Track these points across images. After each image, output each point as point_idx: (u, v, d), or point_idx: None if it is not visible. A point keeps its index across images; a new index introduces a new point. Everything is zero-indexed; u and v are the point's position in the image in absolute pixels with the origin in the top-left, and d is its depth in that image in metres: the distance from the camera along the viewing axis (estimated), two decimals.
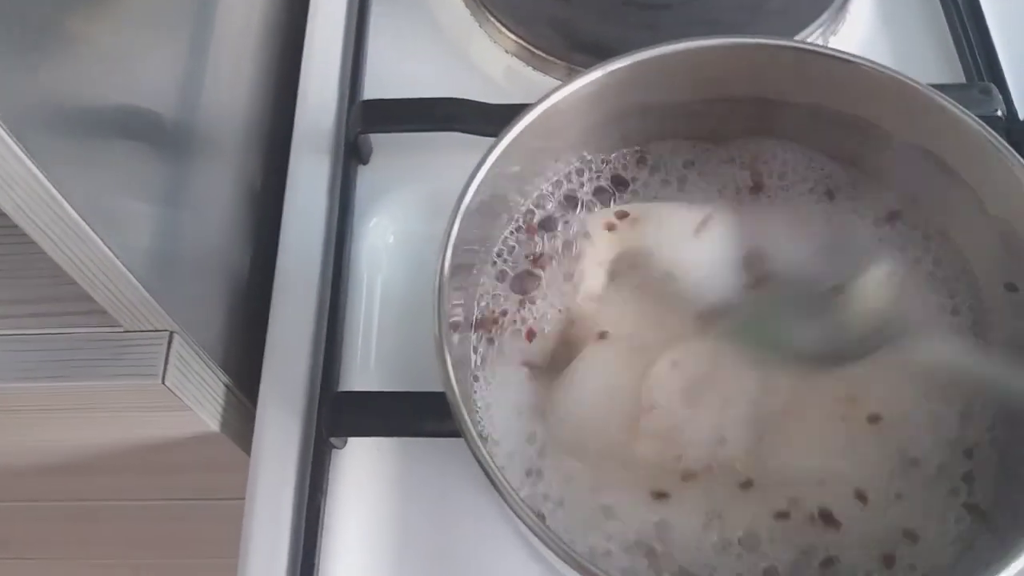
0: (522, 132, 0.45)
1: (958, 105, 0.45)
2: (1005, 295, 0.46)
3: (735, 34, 0.49)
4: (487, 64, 0.64)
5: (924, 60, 0.64)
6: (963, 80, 0.62)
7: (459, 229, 0.43)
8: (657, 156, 0.53)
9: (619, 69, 0.46)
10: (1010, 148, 0.44)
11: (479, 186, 0.44)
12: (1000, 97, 0.58)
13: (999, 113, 0.57)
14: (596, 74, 0.46)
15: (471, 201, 0.44)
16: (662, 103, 0.50)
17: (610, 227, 0.50)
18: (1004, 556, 0.36)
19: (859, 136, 0.49)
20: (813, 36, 0.63)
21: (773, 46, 0.47)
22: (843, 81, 0.47)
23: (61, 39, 0.39)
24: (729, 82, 0.49)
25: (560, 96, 0.46)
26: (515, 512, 0.37)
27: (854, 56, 0.47)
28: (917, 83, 0.46)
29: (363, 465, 0.51)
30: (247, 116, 0.62)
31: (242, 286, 0.58)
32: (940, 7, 0.66)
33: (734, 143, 0.53)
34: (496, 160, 0.45)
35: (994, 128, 0.56)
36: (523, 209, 0.51)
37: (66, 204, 0.38)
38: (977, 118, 0.45)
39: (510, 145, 0.45)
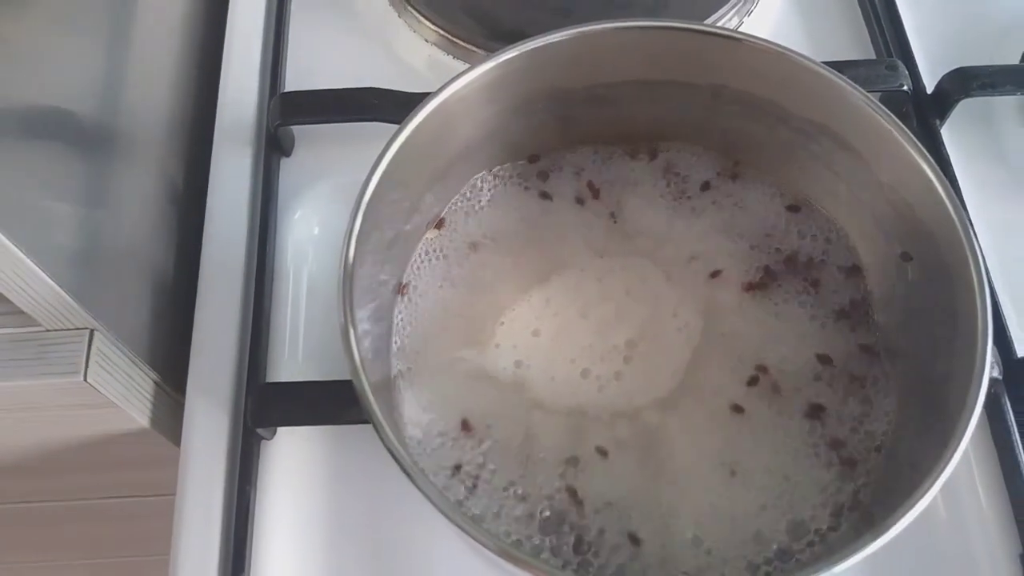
0: (429, 115, 0.46)
1: (848, 80, 0.46)
2: (900, 264, 0.48)
3: (646, 16, 0.50)
4: (408, 54, 0.65)
5: (836, 38, 0.66)
6: (873, 57, 0.63)
7: (363, 219, 0.43)
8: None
9: (522, 54, 0.47)
10: (896, 119, 0.45)
11: (383, 172, 0.44)
12: (906, 72, 0.60)
13: (905, 88, 0.59)
14: (499, 59, 0.47)
15: (375, 189, 0.44)
16: (566, 89, 0.50)
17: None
18: None
19: (761, 115, 0.50)
20: (728, 16, 0.64)
21: (674, 29, 0.48)
22: (746, 62, 0.48)
23: None
24: (632, 65, 0.50)
25: (462, 83, 0.47)
26: (431, 502, 0.38)
27: (753, 37, 0.48)
28: (813, 62, 0.47)
29: (293, 455, 0.52)
30: (168, 111, 0.62)
31: (167, 282, 0.58)
32: None
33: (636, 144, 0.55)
34: (401, 146, 0.45)
35: (901, 102, 0.59)
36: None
37: None
38: (865, 92, 0.46)
39: (416, 130, 0.46)
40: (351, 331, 0.40)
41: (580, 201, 0.54)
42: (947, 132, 0.60)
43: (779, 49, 0.48)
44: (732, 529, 0.45)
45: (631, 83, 0.50)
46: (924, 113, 0.60)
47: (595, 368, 0.49)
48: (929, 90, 0.61)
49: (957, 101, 0.59)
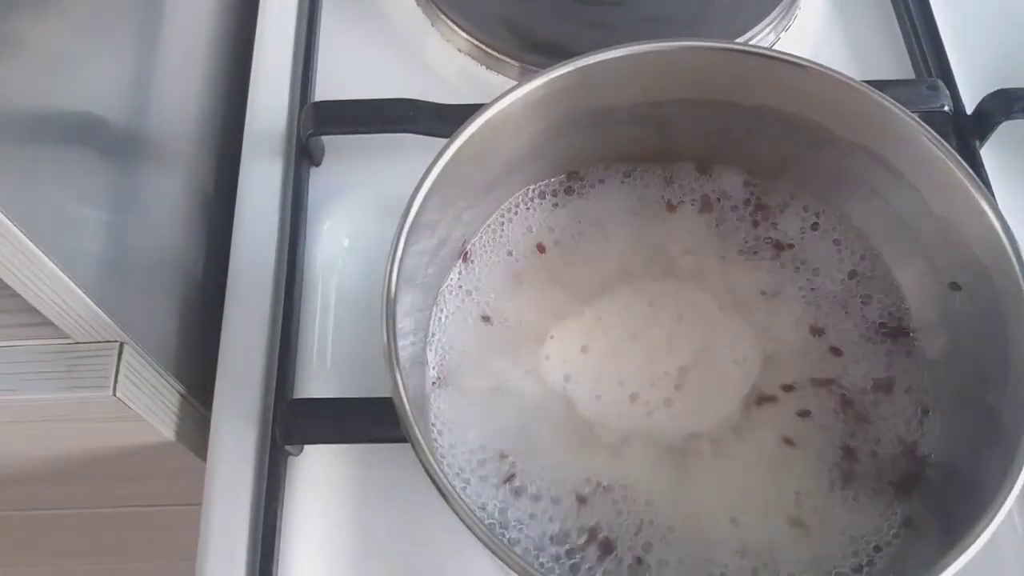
0: (476, 132, 0.45)
1: (899, 105, 0.45)
2: (948, 295, 0.47)
3: (686, 33, 0.49)
4: (440, 64, 0.64)
5: (874, 56, 0.65)
6: (912, 76, 0.62)
7: (408, 234, 0.43)
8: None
9: (568, 73, 0.46)
10: (946, 144, 0.44)
11: (429, 189, 0.44)
12: (947, 92, 0.59)
13: (946, 108, 0.58)
14: (545, 78, 0.46)
15: (422, 202, 0.43)
16: (610, 107, 0.49)
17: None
18: None
19: (806, 137, 0.50)
20: (764, 32, 0.63)
21: (719, 49, 0.47)
22: (789, 83, 0.48)
23: (2, 42, 0.38)
24: (677, 85, 0.49)
25: (509, 100, 0.46)
26: (467, 525, 0.37)
27: (799, 58, 0.47)
28: (861, 85, 0.46)
29: (320, 472, 0.51)
30: (198, 119, 0.61)
31: (195, 293, 0.57)
32: (890, 3, 0.66)
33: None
34: (448, 162, 0.44)
35: (942, 123, 0.58)
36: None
37: (3, 216, 0.37)
38: (917, 119, 0.45)
39: (463, 146, 0.45)
40: (393, 351, 0.39)
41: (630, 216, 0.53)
42: (987, 154, 0.59)
43: (820, 68, 0.47)
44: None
45: (675, 102, 0.50)
46: (964, 134, 0.59)
47: (644, 393, 0.49)
48: (969, 111, 0.60)
49: (998, 123, 0.58)
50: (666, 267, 0.52)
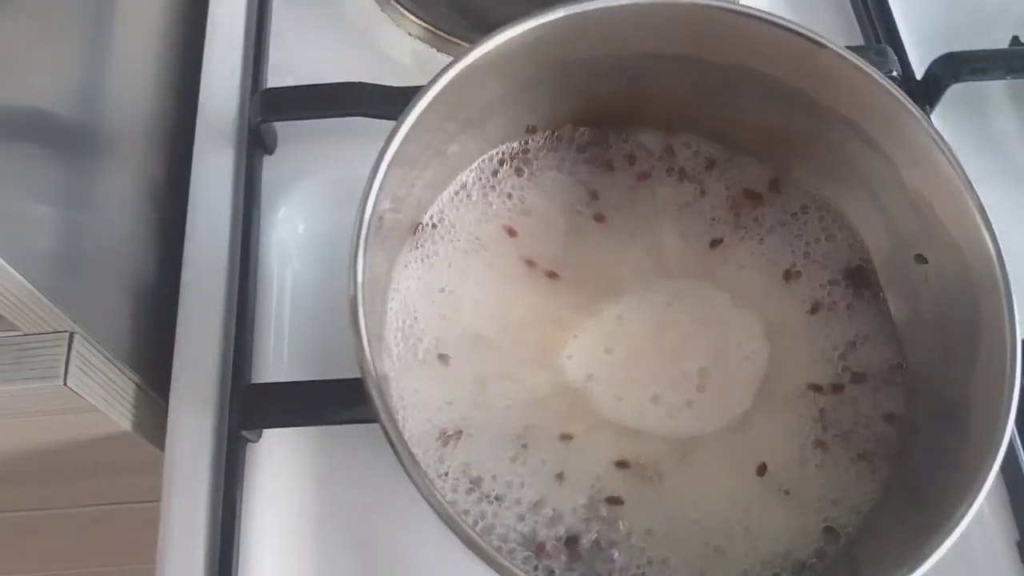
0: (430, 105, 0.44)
1: (877, 71, 0.46)
2: (914, 266, 0.47)
3: None
4: (392, 48, 0.64)
5: (823, 23, 0.65)
6: (861, 43, 0.63)
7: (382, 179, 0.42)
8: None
9: (531, 28, 0.46)
10: (926, 115, 0.45)
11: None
12: (895, 58, 0.59)
13: (895, 74, 0.58)
14: (504, 36, 0.46)
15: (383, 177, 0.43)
16: (577, 61, 0.49)
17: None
18: None
19: (779, 100, 0.50)
20: None
21: (689, 5, 0.47)
22: (766, 43, 0.48)
23: None
24: (643, 40, 0.49)
25: (475, 55, 0.45)
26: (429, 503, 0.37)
27: (777, 17, 0.47)
28: (845, 51, 0.46)
29: (279, 457, 0.51)
30: (150, 111, 0.61)
31: (149, 283, 0.57)
32: None
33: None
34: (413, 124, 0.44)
35: None
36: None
37: None
38: (896, 87, 0.45)
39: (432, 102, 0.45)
40: (360, 309, 0.39)
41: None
42: (938, 119, 0.60)
43: (796, 28, 0.47)
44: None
45: (651, 56, 0.50)
46: (914, 100, 0.59)
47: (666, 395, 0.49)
48: (919, 76, 0.61)
49: (947, 86, 0.59)
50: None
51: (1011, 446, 0.48)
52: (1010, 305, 0.41)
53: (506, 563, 0.36)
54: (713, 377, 0.49)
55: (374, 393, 0.38)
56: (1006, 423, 0.39)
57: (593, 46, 0.49)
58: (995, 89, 0.62)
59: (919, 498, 0.43)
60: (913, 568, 0.37)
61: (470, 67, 0.45)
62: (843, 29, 0.64)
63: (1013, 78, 0.59)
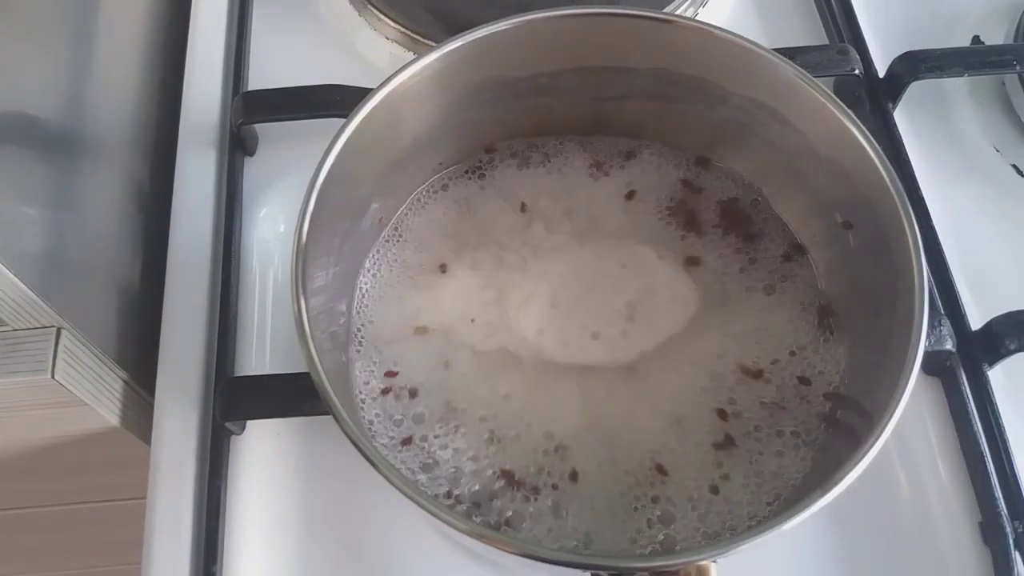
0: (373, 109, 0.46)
1: (780, 56, 0.47)
2: (843, 234, 0.48)
3: (592, 4, 0.50)
4: (370, 52, 0.65)
5: (790, 25, 0.67)
6: (827, 43, 0.65)
7: (315, 203, 0.45)
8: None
9: (466, 44, 0.47)
10: (826, 90, 0.46)
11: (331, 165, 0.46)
12: (858, 57, 0.61)
13: (856, 72, 0.60)
14: (444, 49, 0.47)
15: (325, 179, 0.46)
16: (509, 78, 0.51)
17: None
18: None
19: (701, 96, 0.51)
20: (684, 6, 0.65)
21: (616, 15, 0.48)
22: (680, 45, 0.49)
23: None
24: (570, 53, 0.50)
25: (408, 73, 0.47)
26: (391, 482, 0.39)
27: (682, 18, 0.49)
28: (744, 39, 0.48)
29: (263, 449, 0.52)
30: (133, 114, 0.62)
31: (135, 282, 0.58)
32: None
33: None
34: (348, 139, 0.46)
35: (854, 86, 0.60)
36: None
37: None
38: (796, 66, 0.46)
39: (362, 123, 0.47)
40: (305, 319, 0.41)
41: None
42: (900, 116, 0.61)
43: (707, 28, 0.48)
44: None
45: (571, 71, 0.51)
46: (877, 97, 0.62)
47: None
48: (881, 74, 0.63)
49: (908, 84, 0.61)
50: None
51: (974, 438, 0.51)
52: (913, 233, 0.42)
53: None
54: (640, 309, 0.51)
55: (328, 390, 0.40)
56: (919, 336, 0.40)
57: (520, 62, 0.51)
58: (956, 86, 0.64)
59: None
60: (826, 491, 0.37)
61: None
62: (808, 30, 0.66)
63: (970, 75, 0.61)
